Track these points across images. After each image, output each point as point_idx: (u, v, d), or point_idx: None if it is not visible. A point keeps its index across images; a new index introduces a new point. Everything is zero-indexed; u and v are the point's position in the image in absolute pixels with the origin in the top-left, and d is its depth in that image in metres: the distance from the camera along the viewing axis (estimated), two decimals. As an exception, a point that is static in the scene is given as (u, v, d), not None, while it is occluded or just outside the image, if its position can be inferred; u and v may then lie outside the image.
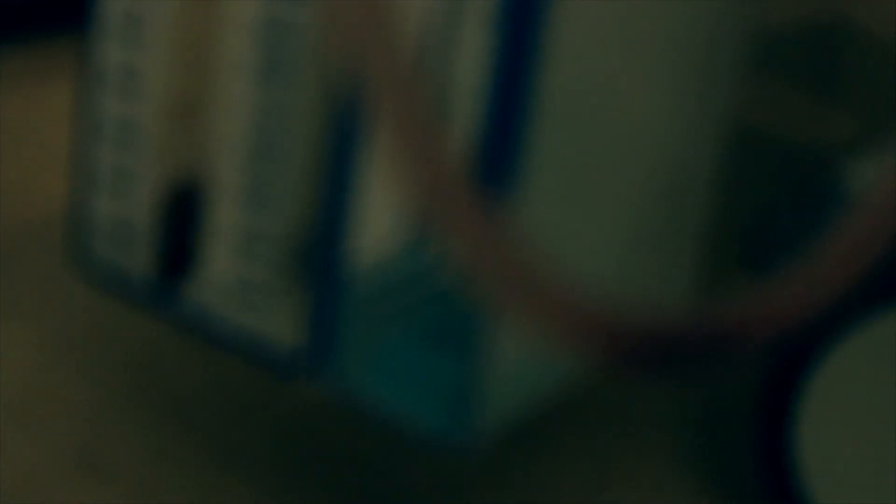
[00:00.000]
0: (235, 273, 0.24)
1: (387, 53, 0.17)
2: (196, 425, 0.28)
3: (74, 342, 0.29)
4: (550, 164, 0.22)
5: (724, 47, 0.26)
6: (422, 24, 0.22)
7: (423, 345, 0.23)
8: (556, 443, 0.28)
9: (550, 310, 0.17)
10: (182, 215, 0.25)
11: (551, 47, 0.21)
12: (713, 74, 0.26)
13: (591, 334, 0.18)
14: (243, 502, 0.26)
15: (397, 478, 0.27)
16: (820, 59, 0.47)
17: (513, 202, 0.22)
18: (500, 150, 0.22)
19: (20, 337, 0.29)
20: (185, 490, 0.26)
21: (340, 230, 0.23)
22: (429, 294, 0.23)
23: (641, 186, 0.25)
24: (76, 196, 0.26)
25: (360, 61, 0.17)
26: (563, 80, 0.22)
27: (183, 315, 0.25)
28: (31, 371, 0.28)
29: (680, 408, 0.30)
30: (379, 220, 0.23)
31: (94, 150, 0.25)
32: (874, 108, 0.44)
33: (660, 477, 0.28)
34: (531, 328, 0.18)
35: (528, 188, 0.22)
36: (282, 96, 0.23)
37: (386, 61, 0.17)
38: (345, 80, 0.22)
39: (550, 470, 0.28)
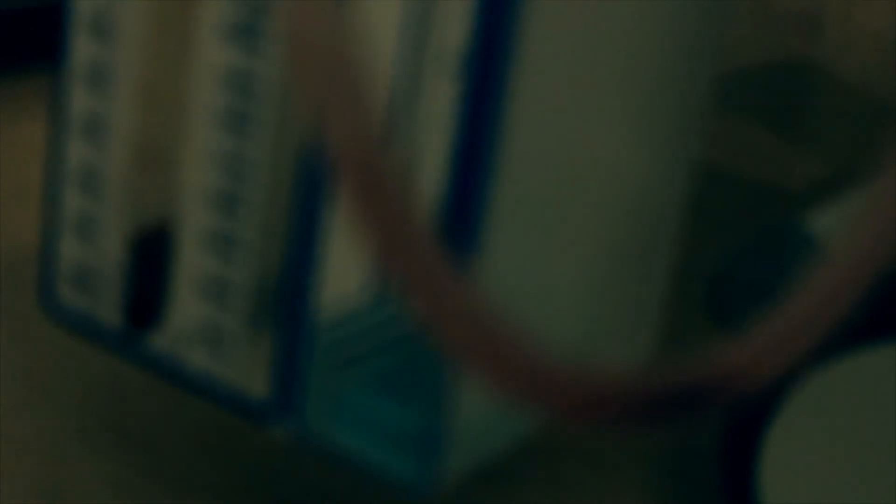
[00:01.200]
0: (202, 319, 0.24)
1: (351, 110, 0.17)
2: (163, 463, 0.28)
3: (41, 380, 0.30)
4: (512, 221, 0.22)
5: (690, 92, 0.26)
6: (385, 79, 0.22)
7: (386, 393, 0.23)
8: (525, 484, 0.29)
9: (513, 369, 0.17)
10: (149, 261, 0.25)
11: (514, 99, 0.22)
12: (680, 120, 0.26)
13: (553, 394, 0.18)
14: (208, 544, 0.26)
15: (363, 519, 0.27)
16: (784, 100, 0.47)
17: (474, 261, 0.22)
18: (462, 209, 0.22)
19: (-12, 374, 0.29)
20: (151, 531, 0.26)
21: (306, 279, 0.23)
22: (393, 343, 0.23)
23: (606, 240, 0.25)
24: (44, 238, 0.26)
25: (323, 117, 0.17)
26: (526, 135, 0.22)
27: (149, 359, 0.25)
28: (-2, 409, 0.29)
29: (649, 445, 0.30)
30: (344, 270, 0.23)
31: (60, 194, 0.25)
32: (839, 150, 0.45)
33: (625, 519, 0.28)
34: (494, 387, 0.18)
35: (489, 247, 0.22)
36: (249, 145, 0.23)
37: (349, 117, 0.17)
38: (311, 133, 0.23)
39: (516, 511, 0.28)
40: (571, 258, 0.25)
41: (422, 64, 0.22)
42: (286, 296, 0.23)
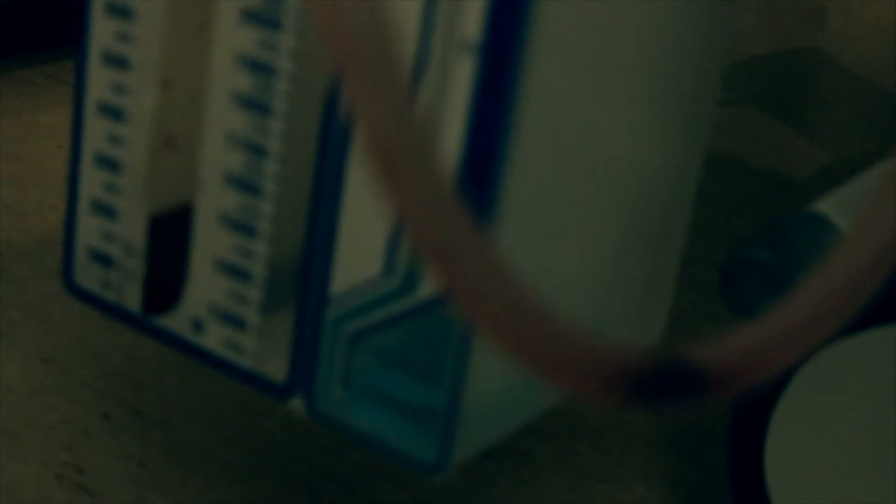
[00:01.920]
0: (221, 298, 0.25)
1: (379, 82, 0.17)
2: (180, 442, 0.28)
3: (63, 360, 0.30)
4: (527, 206, 0.23)
5: (701, 81, 0.27)
6: (408, 60, 0.22)
7: (402, 372, 0.23)
8: (535, 464, 0.29)
9: (545, 342, 0.17)
10: (169, 242, 0.25)
11: (531, 82, 0.22)
12: (691, 109, 0.27)
13: (583, 370, 0.17)
14: (226, 520, 0.27)
15: (375, 498, 0.28)
16: (791, 90, 0.47)
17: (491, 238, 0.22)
18: (477, 194, 0.22)
19: (9, 355, 0.30)
20: (169, 508, 0.27)
21: (324, 259, 0.23)
22: (409, 323, 0.23)
23: (619, 226, 0.26)
24: (66, 220, 0.26)
25: (351, 86, 0.17)
26: (541, 122, 0.22)
27: (169, 337, 0.25)
28: (17, 389, 0.29)
29: (657, 427, 0.30)
30: (363, 250, 0.23)
31: (82, 178, 0.26)
32: (846, 139, 0.45)
33: (640, 498, 0.29)
34: (519, 359, 0.17)
35: (504, 230, 0.22)
36: (267, 127, 0.24)
37: (378, 86, 0.17)
38: (331, 110, 0.23)
39: (530, 492, 0.28)
40: (585, 243, 0.25)
41: (442, 47, 0.22)
42: (304, 276, 0.24)
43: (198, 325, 0.25)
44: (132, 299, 0.26)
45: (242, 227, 0.24)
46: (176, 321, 0.25)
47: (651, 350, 0.18)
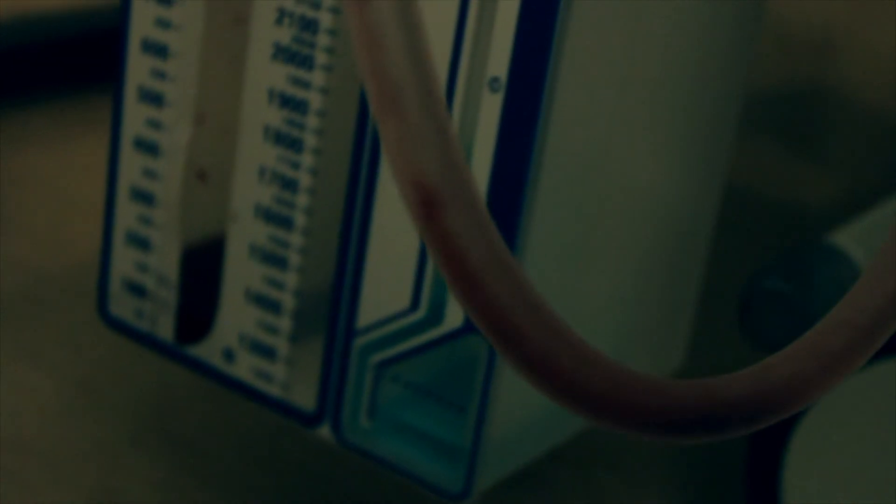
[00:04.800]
0: (251, 329, 0.25)
1: (424, 128, 0.16)
2: (209, 467, 0.28)
3: (95, 386, 0.30)
4: (549, 235, 0.23)
5: (720, 113, 0.27)
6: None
7: (427, 401, 0.24)
8: (556, 489, 0.29)
9: (579, 374, 0.17)
10: (202, 273, 0.26)
11: (555, 117, 0.22)
12: (711, 140, 0.27)
13: (604, 396, 0.17)
14: (255, 544, 0.27)
15: (403, 523, 0.28)
16: (804, 122, 0.48)
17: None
18: (504, 222, 0.22)
19: (42, 381, 0.30)
20: (200, 531, 0.27)
21: (353, 290, 0.24)
22: (434, 351, 0.24)
23: (639, 256, 0.26)
24: (102, 251, 0.27)
25: (391, 131, 0.16)
26: (564, 153, 0.23)
27: (201, 366, 0.26)
28: (51, 413, 0.29)
29: (676, 453, 0.31)
30: (389, 282, 0.24)
31: (118, 211, 0.26)
32: (860, 170, 0.45)
33: (655, 526, 0.29)
34: (546, 390, 0.17)
35: (526, 259, 0.23)
36: (299, 162, 0.24)
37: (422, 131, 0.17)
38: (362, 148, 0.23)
39: (550, 517, 0.29)
40: (605, 273, 0.25)
41: (468, 82, 0.22)
42: (333, 307, 0.24)
43: (229, 355, 0.25)
44: (165, 329, 0.26)
45: (273, 258, 0.25)
46: (207, 350, 0.26)
47: (687, 382, 0.18)
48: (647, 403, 0.17)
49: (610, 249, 0.25)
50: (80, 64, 0.43)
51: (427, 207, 0.16)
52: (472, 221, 0.16)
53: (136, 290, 0.26)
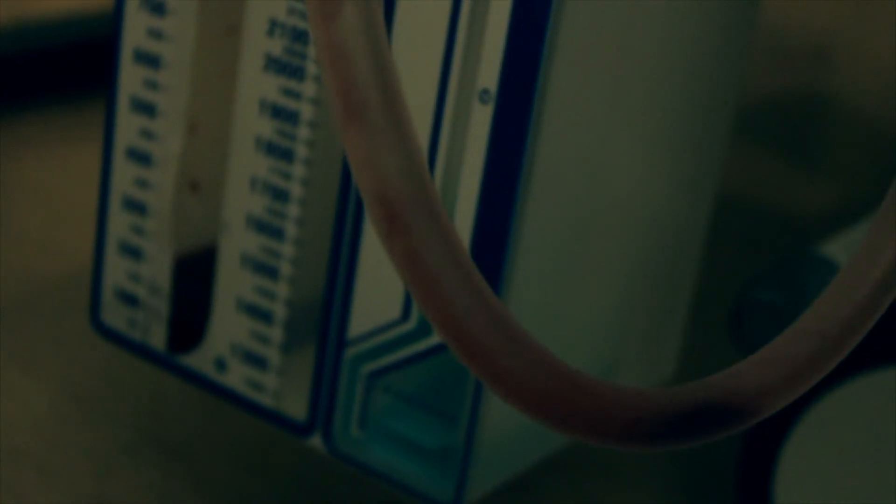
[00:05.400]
0: (243, 338, 0.25)
1: (383, 132, 0.16)
2: (202, 475, 0.28)
3: (89, 393, 0.30)
4: (540, 247, 0.23)
5: (712, 123, 0.27)
6: (422, 111, 0.23)
7: (418, 410, 0.24)
8: (548, 497, 0.29)
9: (555, 393, 0.17)
10: (193, 282, 0.26)
11: (546, 129, 0.22)
12: (703, 150, 0.27)
13: (590, 414, 0.17)
14: (246, 553, 0.27)
15: (394, 531, 0.28)
16: (798, 129, 0.48)
17: (502, 286, 0.23)
18: (490, 235, 0.23)
19: (37, 388, 0.30)
20: (192, 540, 0.27)
21: (344, 300, 0.24)
22: (425, 362, 0.24)
23: (631, 266, 0.26)
24: (95, 260, 0.27)
25: (351, 134, 0.16)
26: (554, 165, 0.23)
27: (193, 375, 0.26)
28: (44, 422, 0.29)
29: (668, 461, 0.31)
30: (380, 293, 0.24)
31: (110, 220, 0.26)
32: (852, 179, 0.45)
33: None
34: (531, 411, 0.17)
35: (517, 272, 0.23)
36: (290, 171, 0.24)
37: (380, 135, 0.17)
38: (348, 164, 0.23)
39: (541, 526, 0.29)
40: (595, 284, 0.25)
41: (458, 93, 0.22)
42: (324, 317, 0.24)
43: (220, 364, 0.26)
44: (157, 338, 0.26)
45: (265, 268, 0.25)
46: (199, 360, 0.26)
47: (671, 389, 0.18)
48: (609, 411, 0.17)
49: (601, 258, 0.25)
50: (75, 71, 0.43)
51: (389, 223, 0.16)
52: (436, 236, 0.16)
53: (129, 299, 0.26)
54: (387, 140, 0.16)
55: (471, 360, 0.16)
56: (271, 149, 0.24)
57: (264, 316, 0.25)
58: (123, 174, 0.26)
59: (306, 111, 0.24)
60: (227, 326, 0.25)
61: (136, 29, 0.25)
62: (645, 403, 0.17)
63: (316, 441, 0.25)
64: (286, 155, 0.24)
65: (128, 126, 0.26)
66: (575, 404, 0.17)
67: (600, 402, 0.17)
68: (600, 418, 0.17)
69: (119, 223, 0.26)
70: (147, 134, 0.25)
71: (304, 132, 0.24)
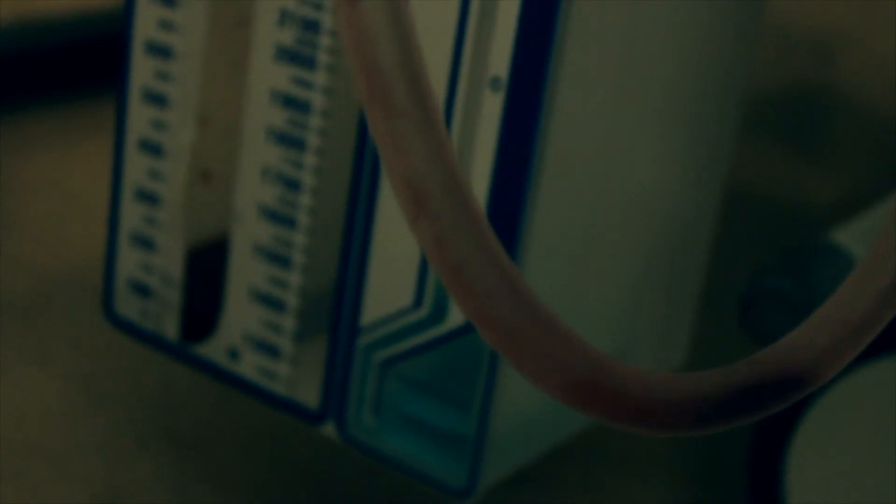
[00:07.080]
0: (256, 327, 0.25)
1: (413, 119, 0.16)
2: (214, 465, 0.28)
3: (101, 386, 0.30)
4: (551, 235, 0.23)
5: (721, 114, 0.27)
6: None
7: (431, 398, 0.24)
8: (558, 486, 0.29)
9: (579, 374, 0.16)
10: (206, 273, 0.26)
11: (556, 116, 0.22)
12: (712, 140, 0.27)
13: (614, 400, 0.16)
14: (260, 542, 0.27)
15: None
16: (805, 122, 0.48)
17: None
18: (505, 222, 0.23)
19: (48, 381, 0.30)
20: (205, 530, 0.27)
21: (357, 288, 0.24)
22: (438, 349, 0.24)
23: (642, 255, 0.26)
24: (107, 251, 0.27)
25: (378, 121, 0.16)
26: (565, 154, 0.23)
27: (205, 365, 0.26)
28: (56, 414, 0.29)
29: (680, 451, 0.31)
30: (392, 280, 0.24)
31: (122, 212, 0.26)
32: (860, 171, 0.45)
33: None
34: (549, 389, 0.17)
35: (528, 259, 0.23)
36: (302, 162, 0.24)
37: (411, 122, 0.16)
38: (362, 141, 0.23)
39: (553, 515, 0.29)
40: (606, 272, 0.25)
41: (469, 81, 0.22)
42: (337, 305, 0.24)
43: (233, 354, 0.26)
44: (170, 329, 0.26)
45: (277, 258, 0.25)
46: (212, 350, 0.26)
47: (707, 373, 0.17)
48: (641, 395, 0.17)
49: (611, 247, 0.25)
50: (83, 67, 0.44)
51: (417, 207, 0.16)
52: (462, 220, 0.16)
53: (141, 290, 0.26)
54: (414, 124, 0.16)
55: (507, 350, 0.16)
56: (283, 138, 0.24)
57: (277, 305, 0.25)
58: (135, 165, 0.26)
59: (318, 100, 0.24)
60: (239, 316, 0.25)
61: (147, 20, 0.25)
62: (694, 387, 0.17)
63: (329, 429, 0.25)
64: (298, 144, 0.24)
65: (139, 117, 0.26)
66: (621, 392, 0.17)
67: (646, 388, 0.17)
68: (654, 405, 0.17)
69: (131, 214, 0.26)
70: (159, 125, 0.26)
71: (315, 121, 0.24)
